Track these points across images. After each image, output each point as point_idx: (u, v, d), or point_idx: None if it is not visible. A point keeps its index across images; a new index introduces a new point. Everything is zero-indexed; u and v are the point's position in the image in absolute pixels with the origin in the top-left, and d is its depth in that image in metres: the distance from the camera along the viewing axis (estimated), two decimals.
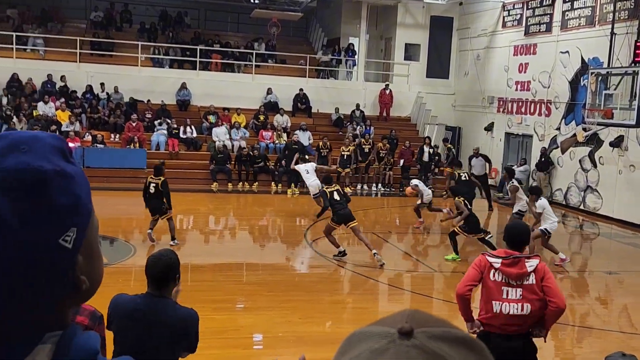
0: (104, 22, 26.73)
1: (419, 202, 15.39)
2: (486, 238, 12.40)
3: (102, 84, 22.44)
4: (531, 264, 4.82)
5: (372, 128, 23.43)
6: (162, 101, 22.45)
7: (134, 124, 20.97)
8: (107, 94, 22.56)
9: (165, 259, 4.06)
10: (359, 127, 23.36)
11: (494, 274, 4.81)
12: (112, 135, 21.08)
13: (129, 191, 18.19)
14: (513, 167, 18.60)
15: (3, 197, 0.92)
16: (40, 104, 20.99)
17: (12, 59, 22.33)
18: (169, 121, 21.76)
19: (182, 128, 21.67)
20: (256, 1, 25.92)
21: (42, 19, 25.71)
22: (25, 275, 0.93)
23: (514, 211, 13.21)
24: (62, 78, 22.26)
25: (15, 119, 19.95)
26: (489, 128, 23.72)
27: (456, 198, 12.65)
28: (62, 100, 21.47)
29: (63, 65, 22.75)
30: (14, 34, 22.91)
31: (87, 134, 20.42)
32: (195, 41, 25.63)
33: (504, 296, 4.79)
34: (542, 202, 12.05)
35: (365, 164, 21.40)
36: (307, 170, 16.30)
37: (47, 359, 0.97)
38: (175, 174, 19.67)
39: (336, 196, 11.87)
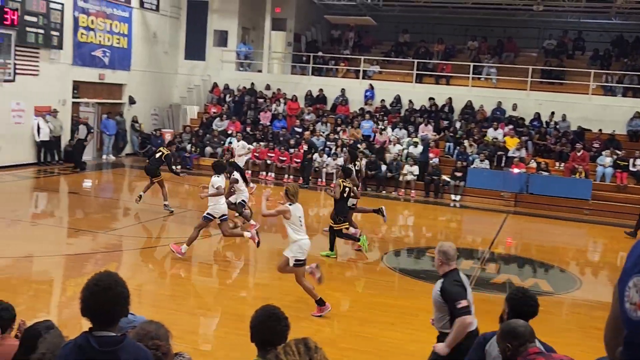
0: (556, 50, 26.75)
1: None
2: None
3: (552, 113, 22.47)
4: None
5: None
6: (613, 131, 21.37)
7: (579, 154, 20.44)
8: (555, 122, 22.50)
9: None
10: None
11: None
12: (557, 164, 20.90)
13: (571, 221, 17.85)
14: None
15: None
16: (490, 130, 22.07)
17: (468, 87, 24.01)
18: (618, 152, 20.59)
19: (631, 160, 20.26)
20: None
21: (497, 50, 27.01)
22: None
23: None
24: (514, 106, 23.00)
25: (466, 143, 21.38)
26: None
27: None
28: (510, 126, 22.17)
29: (513, 93, 23.51)
30: (471, 64, 24.62)
31: (532, 160, 20.67)
32: None
33: None
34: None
35: None
36: None
37: None
38: (619, 208, 18.56)
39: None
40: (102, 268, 3.63)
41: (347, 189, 11.80)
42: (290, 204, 8.43)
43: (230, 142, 21.79)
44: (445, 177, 20.21)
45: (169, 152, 15.50)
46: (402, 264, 12.66)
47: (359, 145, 21.49)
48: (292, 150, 21.91)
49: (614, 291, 1.50)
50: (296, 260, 8.42)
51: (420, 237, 15.52)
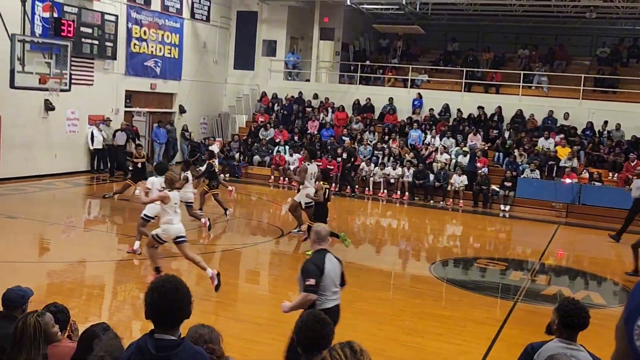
0: (609, 57, 26.13)
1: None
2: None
3: (605, 122, 21.94)
4: None
5: None
6: None
7: (633, 164, 19.89)
8: (608, 131, 21.96)
9: None
10: None
11: None
12: (610, 174, 20.38)
13: (625, 233, 17.33)
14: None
15: None
16: (541, 139, 21.67)
17: (518, 96, 23.64)
18: None
19: None
20: None
21: (548, 58, 26.54)
22: None
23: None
24: (565, 115, 22.54)
25: (516, 152, 21.03)
26: None
27: None
28: (562, 136, 21.72)
29: (565, 102, 23.05)
30: (522, 72, 24.25)
31: (585, 170, 20.20)
32: None
33: None
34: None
35: None
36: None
37: None
38: None
39: None
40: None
41: (327, 191, 12.32)
42: (169, 190, 9.54)
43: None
44: (494, 187, 19.93)
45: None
46: (450, 274, 12.51)
47: (405, 155, 21.38)
48: (339, 159, 21.94)
49: (618, 331, 1.50)
50: (157, 237, 9.50)
51: (468, 247, 15.31)
